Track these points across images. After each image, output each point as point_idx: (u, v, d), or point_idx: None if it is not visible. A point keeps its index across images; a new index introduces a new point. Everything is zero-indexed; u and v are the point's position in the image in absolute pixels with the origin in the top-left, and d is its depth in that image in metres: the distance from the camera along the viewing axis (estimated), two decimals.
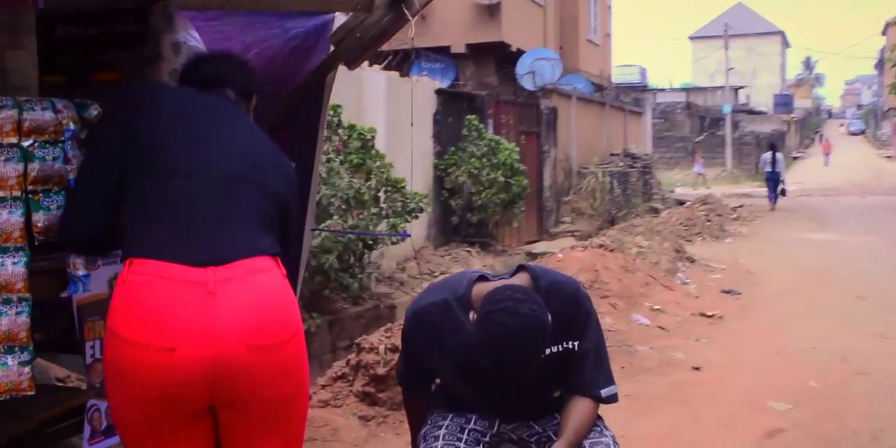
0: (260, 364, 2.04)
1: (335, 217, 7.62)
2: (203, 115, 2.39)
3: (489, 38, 18.29)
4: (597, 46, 25.10)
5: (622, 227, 13.08)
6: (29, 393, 2.14)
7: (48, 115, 2.17)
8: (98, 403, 3.15)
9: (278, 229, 2.33)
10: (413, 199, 9.11)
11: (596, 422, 2.59)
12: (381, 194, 9.13)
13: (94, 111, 2.36)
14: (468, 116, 12.91)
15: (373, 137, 8.74)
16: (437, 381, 2.77)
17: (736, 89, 48.58)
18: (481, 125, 12.81)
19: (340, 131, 8.67)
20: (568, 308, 2.48)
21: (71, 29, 3.66)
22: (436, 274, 11.20)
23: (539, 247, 12.55)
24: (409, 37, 3.24)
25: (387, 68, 12.27)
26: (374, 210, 8.93)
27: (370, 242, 8.83)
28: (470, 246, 12.92)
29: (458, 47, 18.39)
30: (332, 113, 8.54)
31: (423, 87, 12.29)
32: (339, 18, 3.47)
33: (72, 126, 2.25)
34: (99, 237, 2.24)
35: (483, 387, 2.55)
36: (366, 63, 10.91)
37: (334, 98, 8.84)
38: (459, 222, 12.87)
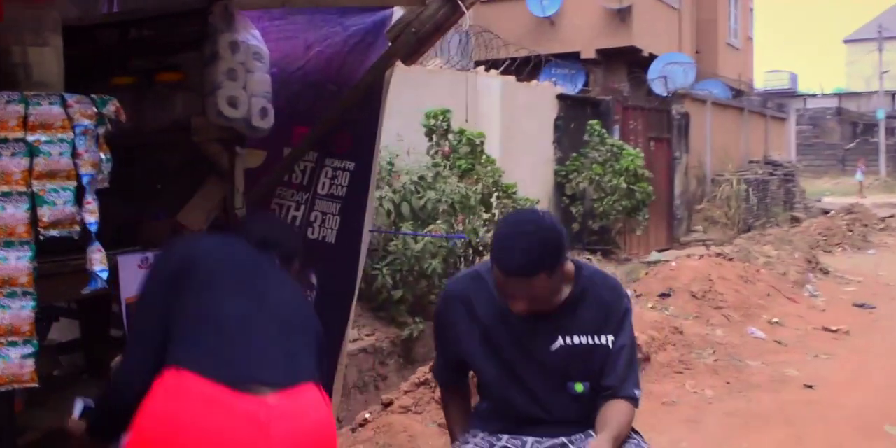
0: None
1: (439, 221, 7.55)
2: (251, 258, 2.36)
3: (620, 42, 17.92)
4: (737, 50, 24.25)
5: (750, 236, 12.49)
6: (31, 385, 2.14)
7: (55, 110, 2.17)
8: None
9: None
10: (524, 204, 8.95)
11: (633, 435, 2.42)
12: (494, 200, 9.02)
13: (111, 106, 2.35)
14: (590, 121, 12.63)
15: (482, 142, 8.64)
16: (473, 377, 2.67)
17: (893, 94, 45.89)
18: (603, 130, 12.51)
19: (451, 136, 8.61)
20: (608, 298, 2.45)
21: (143, 31, 3.73)
22: None
23: (654, 255, 12.10)
24: (464, 27, 3.15)
25: (509, 74, 12.12)
26: (485, 215, 8.84)
27: (480, 248, 8.73)
28: (591, 254, 12.61)
29: (588, 53, 18.10)
30: (440, 118, 8.51)
31: (544, 92, 12.10)
32: (398, 14, 3.39)
33: (84, 121, 2.24)
34: (144, 390, 2.01)
35: (509, 366, 2.45)
36: (481, 68, 10.86)
37: (447, 103, 8.87)
38: (581, 229, 12.59)
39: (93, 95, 2.35)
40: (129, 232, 3.16)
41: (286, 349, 2.09)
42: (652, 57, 18.29)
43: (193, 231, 3.51)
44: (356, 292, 3.35)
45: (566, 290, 2.43)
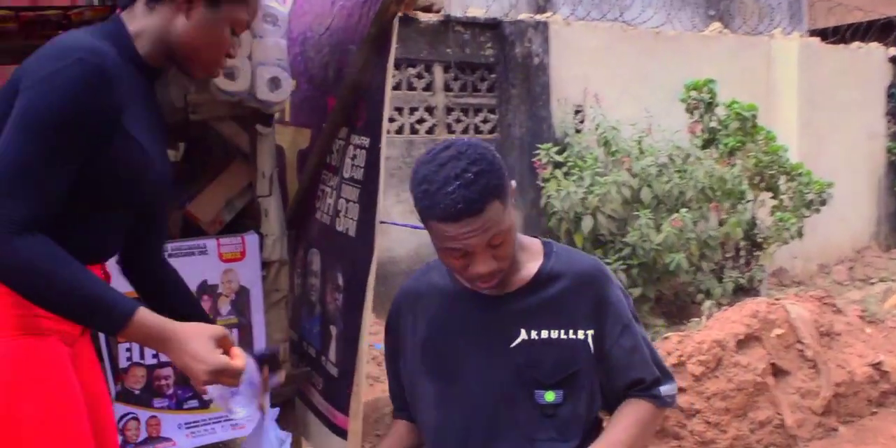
0: None
1: (683, 210, 6.51)
2: None
3: None
4: None
5: None
6: None
7: None
8: (136, 411, 2.83)
9: None
10: (811, 188, 7.52)
11: None
12: (782, 184, 7.70)
13: None
14: None
15: (754, 116, 7.35)
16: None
17: None
18: None
19: (718, 110, 7.45)
20: (589, 280, 1.98)
21: None
22: (872, 280, 9.24)
23: None
24: None
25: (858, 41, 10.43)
26: (773, 202, 7.61)
27: (759, 239, 7.50)
28: None
29: None
30: (703, 89, 7.39)
31: (869, 56, 10.21)
32: None
33: None
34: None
35: (453, 374, 1.99)
36: (777, 31, 9.41)
37: (728, 73, 7.74)
38: None
39: None
40: None
41: None
42: None
43: (206, 223, 3.12)
44: (369, 294, 2.70)
45: (532, 267, 1.97)
